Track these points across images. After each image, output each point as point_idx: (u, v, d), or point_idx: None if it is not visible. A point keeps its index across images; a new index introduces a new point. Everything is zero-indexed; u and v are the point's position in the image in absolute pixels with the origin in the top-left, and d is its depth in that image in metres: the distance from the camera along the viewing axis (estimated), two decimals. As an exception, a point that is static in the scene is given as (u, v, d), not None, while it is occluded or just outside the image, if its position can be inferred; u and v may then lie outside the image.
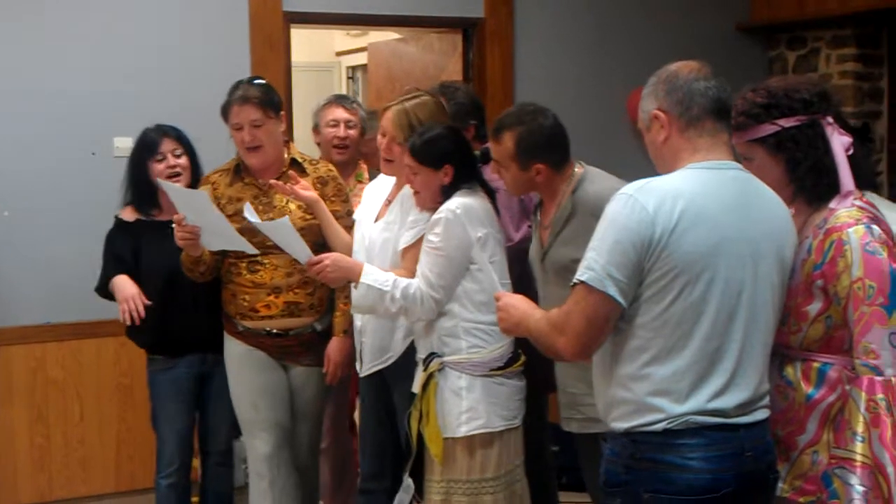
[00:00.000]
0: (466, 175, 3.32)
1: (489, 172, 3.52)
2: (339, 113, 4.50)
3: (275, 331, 3.79)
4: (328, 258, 3.35)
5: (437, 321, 3.29)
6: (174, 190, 3.67)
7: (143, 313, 3.78)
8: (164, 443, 3.99)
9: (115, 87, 4.94)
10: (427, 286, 3.22)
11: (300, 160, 3.89)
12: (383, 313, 3.36)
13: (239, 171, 3.84)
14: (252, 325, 3.79)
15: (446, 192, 3.29)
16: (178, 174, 3.90)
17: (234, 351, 3.85)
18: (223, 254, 3.80)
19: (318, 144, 4.59)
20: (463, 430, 3.24)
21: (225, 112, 3.78)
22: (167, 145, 3.91)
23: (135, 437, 4.89)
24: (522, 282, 3.44)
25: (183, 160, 3.92)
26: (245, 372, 3.83)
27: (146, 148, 3.93)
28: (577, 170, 3.29)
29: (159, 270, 3.87)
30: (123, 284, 3.83)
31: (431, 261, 3.22)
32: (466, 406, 3.24)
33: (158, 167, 3.90)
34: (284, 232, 3.41)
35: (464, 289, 3.25)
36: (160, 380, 3.97)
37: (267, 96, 3.78)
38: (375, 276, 3.27)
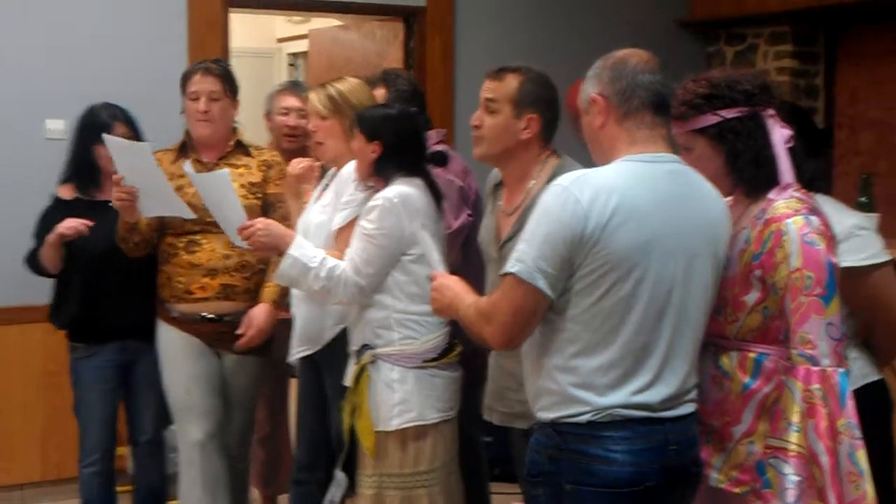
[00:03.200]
0: (402, 162, 3.26)
1: (436, 169, 3.50)
2: (292, 101, 4.46)
3: (210, 316, 3.74)
4: (260, 221, 3.29)
5: (368, 312, 3.24)
6: (116, 144, 3.58)
7: (84, 230, 3.71)
8: (87, 431, 3.93)
9: (47, 69, 4.86)
10: (353, 271, 3.18)
11: (246, 144, 3.88)
12: (306, 289, 3.31)
13: (185, 148, 3.81)
14: (187, 308, 3.74)
15: (381, 173, 3.25)
16: None
17: (168, 337, 3.80)
18: (161, 232, 3.74)
19: (270, 130, 4.55)
20: (395, 423, 3.21)
21: (185, 80, 3.77)
22: (118, 129, 3.83)
23: (62, 425, 4.79)
24: (460, 269, 3.41)
25: None
26: (178, 358, 3.78)
27: (96, 130, 3.81)
28: (556, 159, 3.12)
29: (90, 251, 3.79)
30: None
31: (362, 246, 3.18)
32: (399, 398, 3.21)
33: (105, 151, 3.78)
34: (221, 185, 3.33)
35: (395, 280, 3.21)
36: (83, 368, 3.90)
37: (229, 75, 3.84)
38: (305, 249, 3.22)
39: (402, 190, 3.19)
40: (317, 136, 3.51)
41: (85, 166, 3.87)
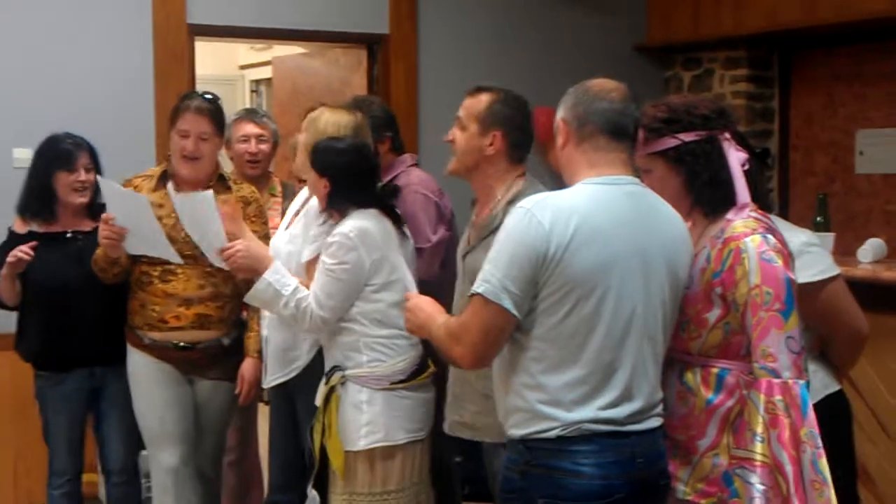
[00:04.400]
0: (353, 196, 3.30)
1: (410, 178, 3.61)
2: (250, 128, 4.49)
3: (182, 344, 3.75)
4: (241, 243, 3.35)
5: (339, 336, 3.30)
6: (112, 188, 3.59)
7: (29, 252, 3.71)
8: (56, 454, 3.92)
9: (14, 97, 4.87)
10: (317, 304, 3.23)
11: (226, 177, 3.89)
12: (276, 313, 3.38)
13: (165, 178, 3.79)
14: (160, 336, 3.74)
15: (334, 207, 3.31)
16: (85, 190, 3.84)
17: (140, 364, 3.79)
18: (135, 260, 3.74)
19: (231, 159, 4.56)
20: (362, 444, 3.25)
21: (176, 115, 3.74)
22: (82, 159, 3.84)
23: (33, 452, 4.75)
24: (437, 286, 3.47)
25: (91, 175, 3.85)
26: (151, 385, 3.77)
27: (60, 159, 3.83)
28: (521, 181, 3.22)
29: (48, 283, 3.79)
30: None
31: (323, 281, 3.24)
32: (366, 420, 3.25)
33: (67, 178, 3.82)
34: (203, 207, 3.36)
35: (360, 309, 3.26)
36: (49, 395, 3.90)
37: (220, 115, 3.80)
38: (279, 276, 3.29)
39: (358, 224, 3.23)
40: (299, 147, 3.53)
41: (43, 195, 3.84)
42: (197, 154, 3.72)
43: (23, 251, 3.71)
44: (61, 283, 3.78)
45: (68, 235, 3.86)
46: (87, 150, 3.87)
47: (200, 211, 3.40)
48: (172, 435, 3.76)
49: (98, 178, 3.73)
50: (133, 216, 3.53)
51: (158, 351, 3.76)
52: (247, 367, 3.79)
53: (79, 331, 3.83)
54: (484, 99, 3.21)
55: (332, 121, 3.44)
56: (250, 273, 3.34)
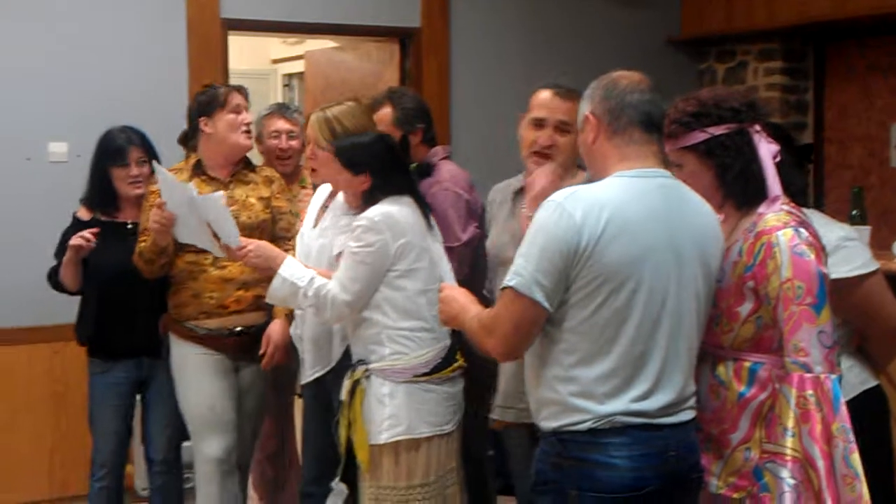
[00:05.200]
0: (391, 185, 3.31)
1: (441, 175, 3.62)
2: (281, 124, 4.51)
3: (238, 329, 3.82)
4: (252, 243, 3.40)
5: (361, 329, 3.30)
6: (166, 176, 3.64)
7: (91, 237, 3.79)
8: (98, 445, 3.98)
9: (49, 92, 4.92)
10: (339, 289, 3.24)
11: (249, 161, 4.00)
12: (296, 307, 3.43)
13: (199, 167, 3.87)
14: (217, 323, 3.80)
15: (368, 198, 3.31)
16: (139, 182, 3.90)
17: (190, 355, 3.83)
18: (178, 253, 3.79)
19: (262, 154, 4.58)
20: (384, 437, 3.25)
21: (222, 98, 3.84)
22: (134, 154, 3.90)
23: (69, 444, 4.84)
24: (470, 280, 3.47)
25: (146, 168, 3.90)
26: (202, 375, 3.82)
27: (112, 155, 3.90)
28: (584, 171, 3.27)
29: (105, 270, 3.86)
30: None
31: (347, 264, 3.25)
32: (388, 413, 3.25)
33: (121, 173, 3.89)
34: (217, 207, 3.44)
35: (383, 296, 3.26)
36: (97, 382, 3.96)
37: None
38: (294, 269, 3.31)
39: (384, 209, 3.25)
40: (312, 163, 3.55)
41: (102, 188, 3.93)
42: (251, 126, 3.91)
43: (85, 237, 3.78)
44: (119, 273, 3.83)
45: (129, 226, 3.92)
46: (138, 143, 3.93)
47: (215, 211, 3.46)
48: (221, 425, 3.80)
49: (154, 164, 3.77)
50: (183, 205, 3.57)
51: (212, 340, 3.81)
52: (274, 327, 3.81)
53: (131, 320, 3.91)
54: (578, 99, 3.26)
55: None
56: (265, 271, 3.39)
